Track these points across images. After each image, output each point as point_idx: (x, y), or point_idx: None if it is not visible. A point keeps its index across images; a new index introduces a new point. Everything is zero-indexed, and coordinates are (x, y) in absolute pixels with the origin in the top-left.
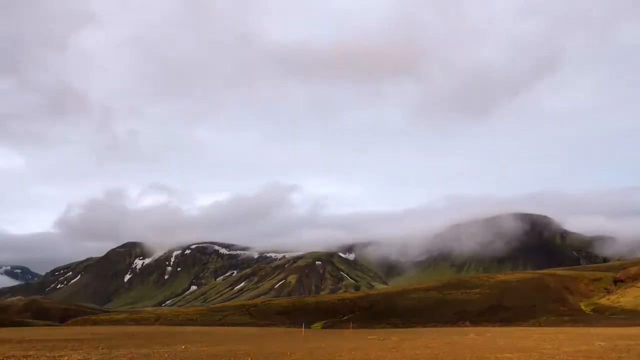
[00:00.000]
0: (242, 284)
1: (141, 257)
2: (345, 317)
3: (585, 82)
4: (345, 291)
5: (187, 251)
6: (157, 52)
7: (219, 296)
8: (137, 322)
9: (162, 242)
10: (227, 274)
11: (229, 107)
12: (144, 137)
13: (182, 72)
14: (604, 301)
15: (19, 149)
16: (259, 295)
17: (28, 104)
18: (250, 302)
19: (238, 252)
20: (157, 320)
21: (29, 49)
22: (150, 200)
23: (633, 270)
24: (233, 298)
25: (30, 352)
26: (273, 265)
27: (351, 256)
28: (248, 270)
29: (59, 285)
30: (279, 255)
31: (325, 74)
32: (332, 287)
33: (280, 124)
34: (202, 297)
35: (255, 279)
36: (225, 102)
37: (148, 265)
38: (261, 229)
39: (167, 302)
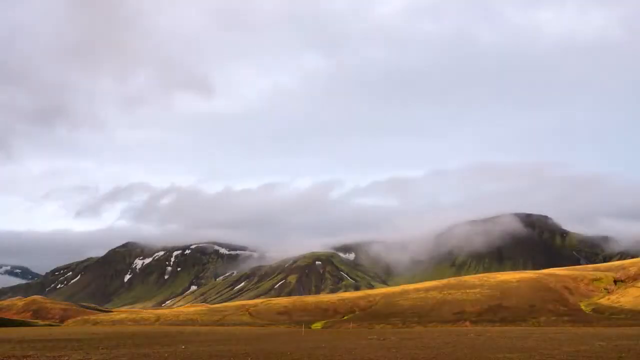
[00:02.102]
0: (242, 284)
1: (141, 257)
2: (345, 317)
3: None
4: (345, 291)
5: (187, 251)
6: None
7: (219, 296)
8: (137, 322)
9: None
10: (227, 274)
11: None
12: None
13: None
14: (604, 301)
15: None
16: (259, 295)
17: None
18: (250, 302)
19: (238, 252)
20: (157, 320)
21: None
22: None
23: (633, 270)
24: (233, 298)
25: (30, 352)
26: (273, 265)
27: (351, 256)
28: (248, 270)
29: (59, 285)
30: (279, 255)
31: None
32: (332, 287)
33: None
34: (202, 297)
35: (255, 279)
36: None
37: (148, 265)
38: (261, 228)
39: (167, 302)
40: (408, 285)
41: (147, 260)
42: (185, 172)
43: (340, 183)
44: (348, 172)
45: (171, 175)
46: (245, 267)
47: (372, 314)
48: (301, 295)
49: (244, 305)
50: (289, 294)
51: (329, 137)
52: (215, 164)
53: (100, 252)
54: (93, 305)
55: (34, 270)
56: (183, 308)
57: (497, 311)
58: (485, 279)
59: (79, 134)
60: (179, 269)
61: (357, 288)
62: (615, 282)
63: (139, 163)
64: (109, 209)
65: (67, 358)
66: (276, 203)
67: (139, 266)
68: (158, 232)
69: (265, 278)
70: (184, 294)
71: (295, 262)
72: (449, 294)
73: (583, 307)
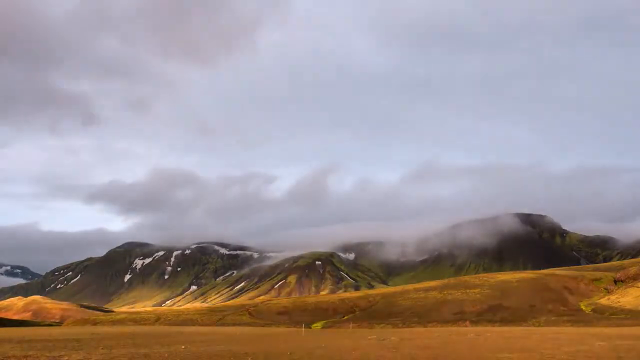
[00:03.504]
0: (242, 284)
1: (141, 257)
2: (345, 317)
3: None
4: (345, 291)
5: (187, 251)
6: None
7: (219, 296)
8: (137, 322)
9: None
10: (227, 274)
11: None
12: None
13: None
14: (604, 301)
15: None
16: (259, 295)
17: None
18: (250, 302)
19: (238, 252)
20: (157, 320)
21: None
22: None
23: (633, 270)
24: (233, 298)
25: (30, 352)
26: (273, 265)
27: (351, 256)
28: (248, 270)
29: (59, 285)
30: (279, 255)
31: None
32: (332, 287)
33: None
34: (202, 297)
35: (255, 279)
36: None
37: (148, 265)
38: (261, 228)
39: (167, 302)
40: (408, 285)
41: (147, 260)
42: (183, 161)
43: (340, 177)
44: (349, 164)
45: (169, 165)
46: (245, 267)
47: (372, 314)
48: (301, 295)
49: (244, 305)
50: (289, 294)
51: (331, 119)
52: (209, 149)
53: (100, 252)
54: (93, 305)
55: (34, 270)
56: (183, 308)
57: (497, 311)
58: (485, 279)
59: (69, 129)
60: (179, 269)
61: (357, 288)
62: (615, 282)
63: (138, 158)
64: (108, 207)
65: (67, 358)
66: (274, 197)
67: (139, 266)
68: (157, 231)
69: (265, 278)
70: (184, 294)
71: (295, 262)
72: (449, 294)
73: (583, 307)
